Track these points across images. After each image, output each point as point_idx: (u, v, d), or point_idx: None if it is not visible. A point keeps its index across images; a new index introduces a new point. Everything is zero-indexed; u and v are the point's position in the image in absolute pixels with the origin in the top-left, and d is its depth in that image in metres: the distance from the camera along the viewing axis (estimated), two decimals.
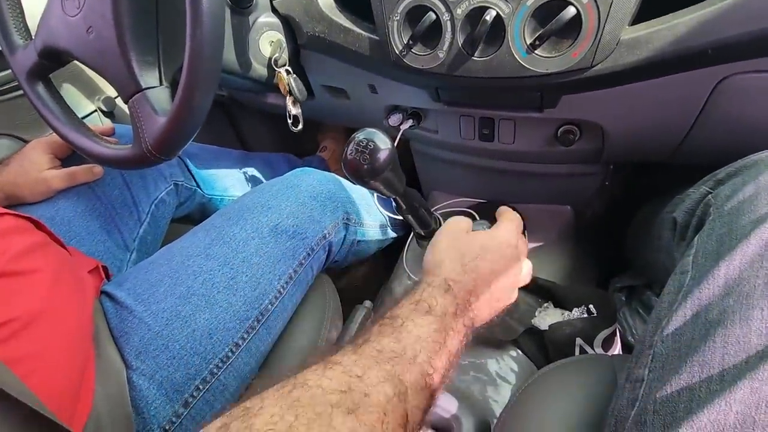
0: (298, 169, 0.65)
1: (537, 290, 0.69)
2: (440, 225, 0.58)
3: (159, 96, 0.51)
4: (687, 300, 0.33)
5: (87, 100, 0.90)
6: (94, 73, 0.54)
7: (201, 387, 0.46)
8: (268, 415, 0.25)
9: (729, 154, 0.46)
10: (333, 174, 0.68)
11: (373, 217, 0.72)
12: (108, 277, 0.57)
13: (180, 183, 0.73)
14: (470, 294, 0.39)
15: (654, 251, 0.55)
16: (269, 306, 0.52)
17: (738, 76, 0.45)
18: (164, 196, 0.70)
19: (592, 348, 0.62)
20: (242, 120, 1.15)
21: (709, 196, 0.41)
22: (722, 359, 0.29)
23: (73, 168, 0.62)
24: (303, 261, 0.56)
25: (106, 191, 0.65)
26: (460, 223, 0.48)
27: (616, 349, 0.65)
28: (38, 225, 0.52)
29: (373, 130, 0.41)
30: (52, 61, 0.58)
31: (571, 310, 0.66)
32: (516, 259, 0.45)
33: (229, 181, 0.83)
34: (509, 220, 0.49)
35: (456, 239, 0.45)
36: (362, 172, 0.40)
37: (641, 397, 0.32)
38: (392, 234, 0.79)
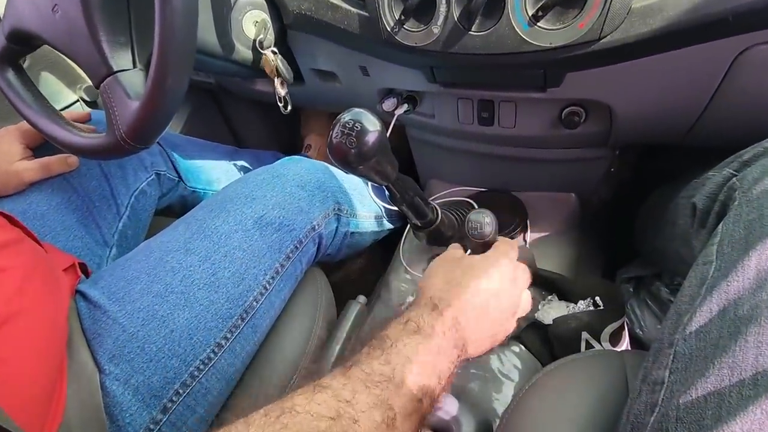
0: (285, 158, 0.62)
1: (540, 282, 0.66)
2: (437, 215, 0.55)
3: (132, 79, 0.48)
4: (712, 294, 0.30)
5: (68, 90, 0.87)
6: None
7: (181, 391, 0.43)
8: None
9: (747, 135, 0.43)
10: (322, 162, 0.64)
11: (367, 207, 0.69)
12: (87, 274, 0.54)
13: (162, 173, 0.69)
14: (457, 312, 0.37)
15: (667, 239, 0.51)
16: (254, 303, 0.49)
17: (761, 47, 0.41)
18: (145, 186, 0.66)
19: (599, 342, 0.59)
20: (232, 109, 1.11)
21: (734, 179, 0.37)
22: (755, 361, 0.26)
23: (47, 158, 0.59)
24: (290, 254, 0.53)
25: (82, 182, 0.61)
26: (456, 251, 0.48)
27: (624, 343, 0.62)
28: (11, 220, 0.48)
29: (361, 110, 0.38)
30: (21, 45, 0.55)
31: (576, 303, 0.63)
32: (510, 279, 0.43)
33: (214, 175, 0.80)
34: (504, 243, 0.47)
35: (447, 261, 0.44)
36: (349, 157, 0.37)
37: (661, 402, 0.29)
38: (389, 225, 0.75)
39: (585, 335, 0.60)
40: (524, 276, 0.46)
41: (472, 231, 0.46)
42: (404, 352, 0.32)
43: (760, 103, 0.46)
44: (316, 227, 0.57)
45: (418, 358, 0.32)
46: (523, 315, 0.46)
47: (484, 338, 0.39)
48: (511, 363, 0.61)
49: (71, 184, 0.60)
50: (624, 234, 0.76)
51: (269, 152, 0.97)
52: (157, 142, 0.69)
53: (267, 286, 0.50)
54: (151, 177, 0.68)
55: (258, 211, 0.52)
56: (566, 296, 0.64)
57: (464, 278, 0.40)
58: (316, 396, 0.28)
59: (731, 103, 0.47)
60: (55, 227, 0.57)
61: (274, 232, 0.52)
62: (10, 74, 0.56)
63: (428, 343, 0.33)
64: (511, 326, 0.43)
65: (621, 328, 0.61)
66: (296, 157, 0.63)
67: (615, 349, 0.60)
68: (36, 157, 0.59)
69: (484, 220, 0.48)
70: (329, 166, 0.65)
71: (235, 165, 0.86)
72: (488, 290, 0.40)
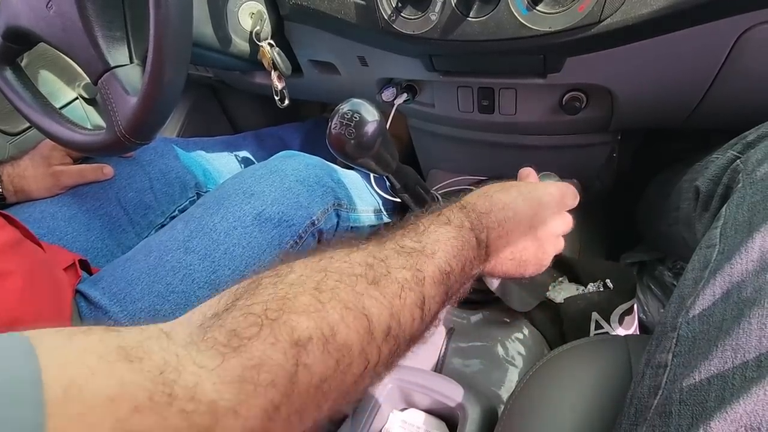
0: (281, 153, 0.62)
1: (552, 263, 0.66)
2: (439, 203, 0.55)
3: (129, 75, 0.48)
4: (716, 277, 0.30)
5: (67, 88, 0.86)
6: None
7: None
8: (297, 273, 0.27)
9: (751, 116, 0.42)
10: (320, 158, 0.64)
11: (365, 201, 0.69)
12: (90, 272, 0.54)
13: (204, 193, 0.72)
14: (482, 216, 0.38)
15: (670, 223, 0.51)
16: None
17: (764, 26, 0.40)
18: (187, 204, 0.69)
19: (608, 323, 0.59)
20: (232, 102, 1.10)
21: (738, 161, 0.37)
22: (759, 343, 0.25)
23: (82, 165, 0.62)
24: (290, 250, 0.53)
25: (119, 192, 0.63)
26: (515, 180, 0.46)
27: (634, 325, 0.62)
28: (10, 220, 0.48)
29: (360, 100, 0.37)
30: (18, 43, 0.55)
31: (586, 285, 0.63)
32: (551, 213, 0.42)
33: None
34: (569, 188, 0.45)
35: (495, 182, 0.44)
36: (348, 148, 0.37)
37: (665, 385, 0.29)
38: (386, 219, 0.75)
39: (595, 316, 0.60)
40: (566, 221, 0.44)
41: None
42: (434, 236, 0.34)
43: (763, 84, 0.45)
44: (316, 222, 0.57)
45: (447, 242, 0.34)
46: (556, 252, 0.44)
47: (504, 257, 0.39)
48: (516, 350, 0.61)
49: (106, 192, 0.62)
50: (627, 219, 0.75)
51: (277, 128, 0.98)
52: (201, 164, 0.74)
53: None
54: (193, 197, 0.71)
55: (257, 207, 0.52)
56: (577, 278, 0.64)
57: (497, 193, 0.40)
58: (353, 253, 0.30)
59: (734, 84, 0.46)
60: (73, 228, 0.58)
61: (274, 227, 0.52)
62: (9, 73, 0.56)
63: (456, 233, 0.35)
64: (540, 263, 0.42)
65: (630, 309, 0.61)
66: (292, 151, 0.63)
67: (623, 329, 0.60)
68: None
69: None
70: (327, 162, 0.65)
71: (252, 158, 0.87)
72: (522, 211, 0.40)
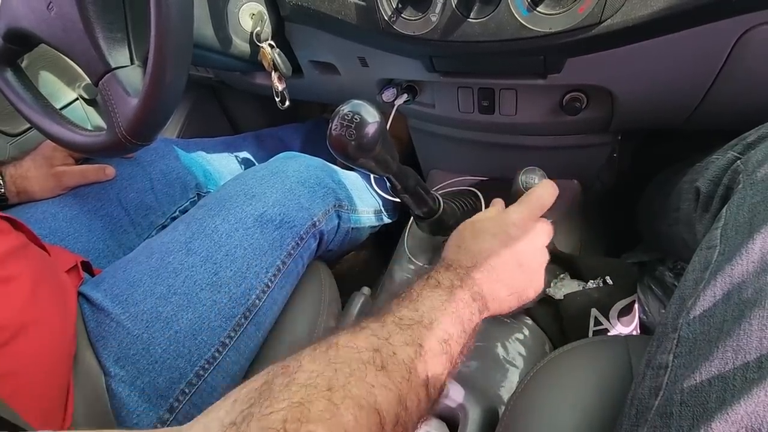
0: (282, 154, 0.62)
1: (554, 261, 0.66)
2: (439, 205, 0.55)
3: (130, 76, 0.48)
4: (716, 278, 0.30)
5: (67, 88, 0.86)
6: None
7: (187, 390, 0.44)
8: (308, 371, 0.27)
9: (751, 117, 0.42)
10: (321, 159, 0.64)
11: (366, 202, 0.69)
12: (92, 272, 0.54)
13: (204, 194, 0.72)
14: (470, 270, 0.40)
15: (670, 224, 0.51)
16: (257, 301, 0.49)
17: (764, 27, 0.41)
18: (188, 205, 0.70)
19: (608, 319, 0.60)
20: (233, 103, 1.10)
21: (738, 162, 0.37)
22: (759, 344, 0.25)
23: (84, 166, 0.62)
24: (292, 251, 0.53)
25: (120, 193, 0.63)
26: (477, 216, 0.49)
27: (634, 322, 0.62)
28: (16, 225, 0.48)
29: (360, 102, 0.37)
30: (18, 44, 0.55)
31: (587, 282, 0.63)
32: (524, 239, 0.44)
33: None
34: (522, 202, 0.48)
35: (464, 227, 0.46)
36: (349, 150, 0.37)
37: (665, 386, 0.29)
38: (387, 219, 0.76)
39: (594, 312, 0.60)
40: (543, 230, 0.46)
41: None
42: (428, 303, 0.35)
43: (763, 84, 0.45)
44: (317, 223, 0.57)
45: (441, 306, 0.35)
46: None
47: (503, 296, 0.41)
48: (517, 351, 0.61)
49: (107, 192, 0.62)
50: (627, 219, 0.75)
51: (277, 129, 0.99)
52: (201, 164, 0.74)
53: (269, 283, 0.50)
54: (194, 197, 0.71)
55: (258, 209, 0.52)
56: (579, 275, 0.65)
57: (473, 242, 0.43)
58: (357, 335, 0.31)
59: (734, 85, 0.46)
60: (75, 228, 0.58)
61: (275, 229, 0.52)
62: (9, 74, 0.56)
63: (448, 295, 0.36)
64: (537, 282, 0.44)
65: (631, 304, 0.61)
66: (293, 152, 0.63)
67: (622, 326, 0.60)
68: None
69: (534, 181, 0.51)
70: (328, 163, 0.65)
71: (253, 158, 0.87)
72: (499, 251, 0.42)
